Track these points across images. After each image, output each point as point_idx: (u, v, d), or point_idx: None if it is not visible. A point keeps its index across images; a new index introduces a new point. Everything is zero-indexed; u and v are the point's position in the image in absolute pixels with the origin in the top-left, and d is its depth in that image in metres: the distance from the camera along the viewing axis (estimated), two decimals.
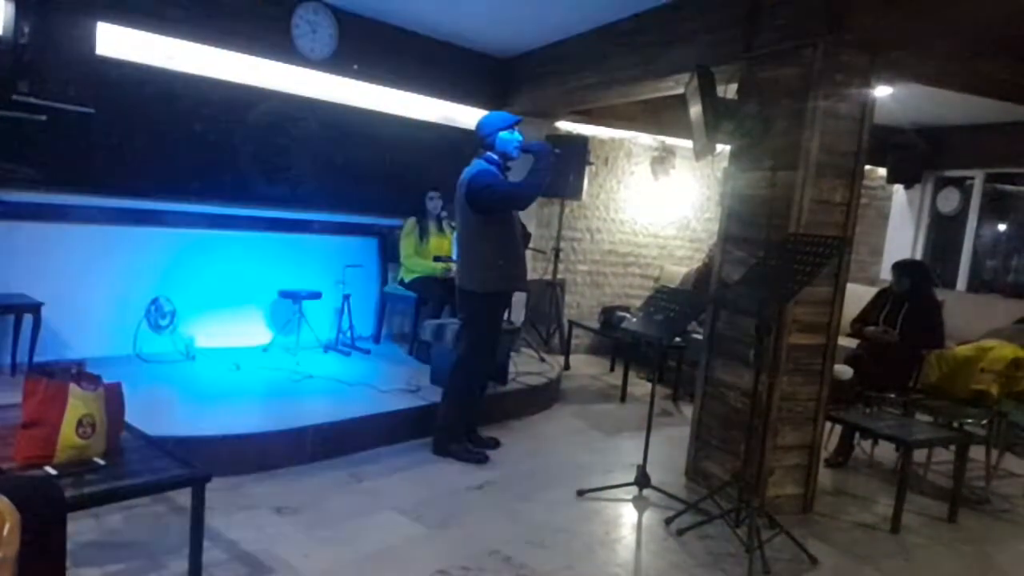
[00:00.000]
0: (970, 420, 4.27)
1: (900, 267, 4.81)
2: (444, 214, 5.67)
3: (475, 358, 4.05)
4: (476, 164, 3.94)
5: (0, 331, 4.20)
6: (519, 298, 6.38)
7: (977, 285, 7.30)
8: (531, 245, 6.52)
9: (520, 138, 3.98)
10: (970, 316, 6.14)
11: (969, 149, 7.06)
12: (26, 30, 3.70)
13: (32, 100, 3.78)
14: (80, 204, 4.50)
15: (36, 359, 4.11)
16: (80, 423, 2.26)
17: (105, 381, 2.44)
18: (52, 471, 2.19)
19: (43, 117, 3.93)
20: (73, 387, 2.28)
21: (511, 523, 3.32)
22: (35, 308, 4.12)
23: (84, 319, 4.57)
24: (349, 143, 5.78)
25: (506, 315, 4.79)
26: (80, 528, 2.75)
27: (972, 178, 7.30)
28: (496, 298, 4.04)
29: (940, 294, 5.09)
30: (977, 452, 4.17)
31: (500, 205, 3.89)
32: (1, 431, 2.41)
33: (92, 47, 4.08)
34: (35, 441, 2.23)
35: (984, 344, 4.51)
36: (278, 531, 3.02)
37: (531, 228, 6.55)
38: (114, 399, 2.45)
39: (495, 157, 3.94)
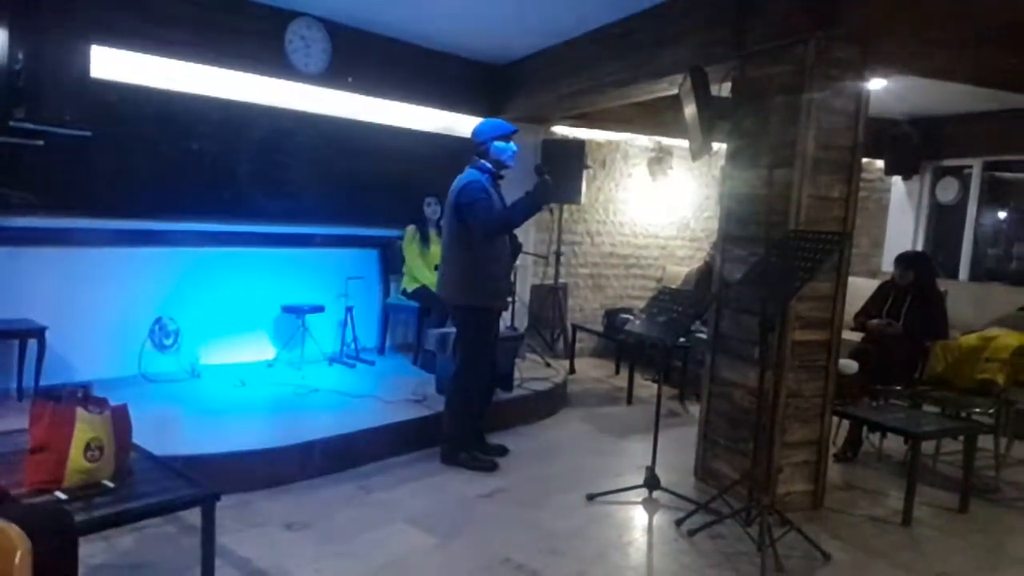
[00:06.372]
0: (977, 410, 4.26)
1: (903, 260, 4.80)
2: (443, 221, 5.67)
3: (470, 369, 4.01)
4: (468, 173, 3.91)
5: (5, 356, 4.21)
6: (521, 305, 6.39)
7: (979, 274, 7.29)
8: (531, 251, 6.54)
9: (515, 148, 3.97)
10: (973, 305, 6.12)
11: (966, 138, 7.06)
12: (20, 56, 3.71)
13: (29, 126, 3.78)
14: (80, 227, 4.51)
15: (42, 383, 4.11)
16: (88, 446, 2.26)
17: (111, 403, 2.44)
18: (62, 495, 2.19)
19: (40, 142, 3.94)
20: (80, 411, 2.28)
21: (522, 530, 3.31)
22: (39, 332, 4.13)
23: (88, 341, 4.58)
24: (347, 155, 5.80)
25: (510, 321, 4.78)
26: (91, 551, 2.75)
27: (970, 167, 7.30)
28: (481, 311, 3.98)
29: (942, 284, 5.07)
30: (986, 441, 4.17)
31: (474, 226, 3.82)
32: (9, 457, 2.42)
33: (87, 70, 4.11)
34: (44, 466, 2.24)
35: (988, 333, 4.51)
36: (289, 547, 3.02)
37: (530, 233, 6.58)
38: (121, 421, 2.46)
39: (488, 165, 3.92)
